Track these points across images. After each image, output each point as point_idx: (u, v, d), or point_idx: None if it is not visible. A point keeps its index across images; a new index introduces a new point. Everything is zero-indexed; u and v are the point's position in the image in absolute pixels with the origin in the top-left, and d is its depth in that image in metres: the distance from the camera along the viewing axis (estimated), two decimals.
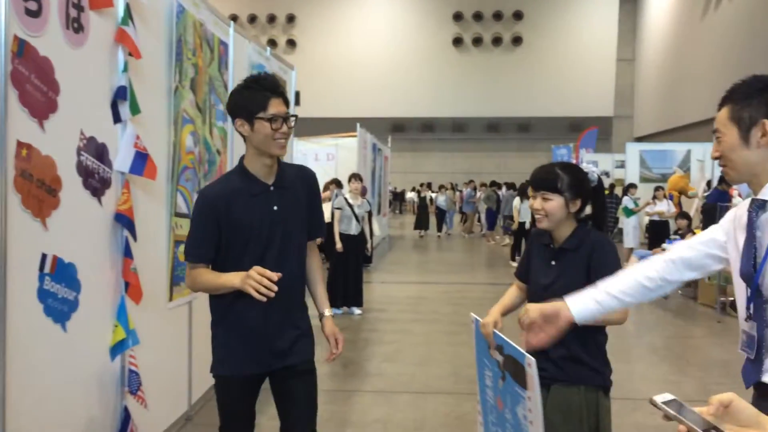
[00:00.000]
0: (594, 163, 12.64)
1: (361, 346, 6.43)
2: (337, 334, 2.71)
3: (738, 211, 1.87)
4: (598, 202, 2.47)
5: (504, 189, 18.06)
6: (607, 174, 17.89)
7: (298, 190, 2.54)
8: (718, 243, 1.90)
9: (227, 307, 2.48)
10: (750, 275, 1.73)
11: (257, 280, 2.26)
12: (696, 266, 1.95)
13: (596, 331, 2.37)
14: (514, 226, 12.68)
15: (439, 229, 19.77)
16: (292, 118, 2.43)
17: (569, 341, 2.28)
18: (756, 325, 1.72)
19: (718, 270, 1.96)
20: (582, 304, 1.98)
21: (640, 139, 22.69)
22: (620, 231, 12.92)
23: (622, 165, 16.15)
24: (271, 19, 26.51)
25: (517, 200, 12.54)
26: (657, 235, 11.00)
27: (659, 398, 1.09)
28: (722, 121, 1.79)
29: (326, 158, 14.38)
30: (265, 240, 2.43)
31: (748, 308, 1.75)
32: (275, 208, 2.45)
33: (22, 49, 2.49)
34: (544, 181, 2.37)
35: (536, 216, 2.40)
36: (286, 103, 2.44)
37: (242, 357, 2.50)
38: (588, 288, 2.05)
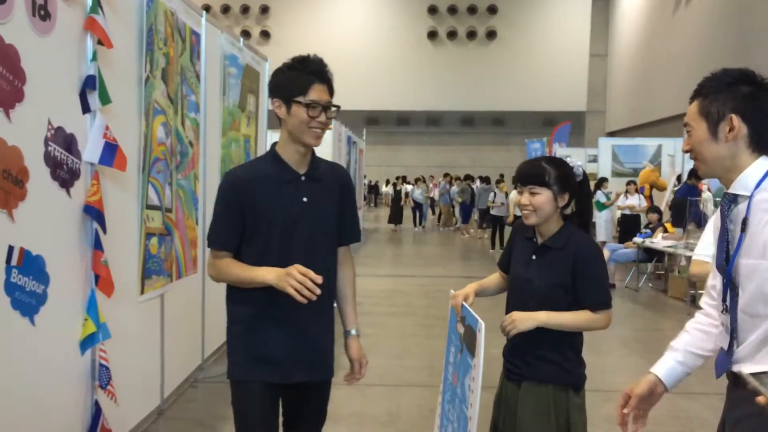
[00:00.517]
0: (568, 157, 12.85)
1: (336, 337, 6.41)
2: (363, 358, 2.49)
3: (719, 211, 1.87)
4: (583, 197, 2.43)
5: (478, 182, 18.15)
6: None
7: (331, 186, 2.32)
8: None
9: (260, 306, 2.23)
10: (723, 267, 1.75)
11: (299, 280, 2.04)
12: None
13: (573, 336, 2.37)
14: (510, 220, 12.62)
15: (416, 223, 19.62)
16: (333, 109, 2.25)
17: (542, 342, 2.31)
18: (729, 317, 1.73)
19: None
20: (668, 370, 1.93)
21: (612, 134, 22.96)
22: (593, 225, 13.11)
23: (594, 159, 16.31)
24: (245, 9, 26.24)
25: (514, 193, 12.50)
26: (628, 228, 11.17)
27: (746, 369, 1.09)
28: (692, 115, 1.79)
29: None
30: (291, 233, 2.21)
31: (723, 300, 1.75)
32: (305, 199, 2.23)
33: None
34: (531, 175, 2.32)
35: (523, 212, 2.35)
36: (331, 91, 2.27)
37: (271, 362, 2.23)
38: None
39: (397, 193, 19.70)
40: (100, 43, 3.17)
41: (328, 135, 13.19)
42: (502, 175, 18.37)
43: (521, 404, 2.35)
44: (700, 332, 1.94)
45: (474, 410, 2.01)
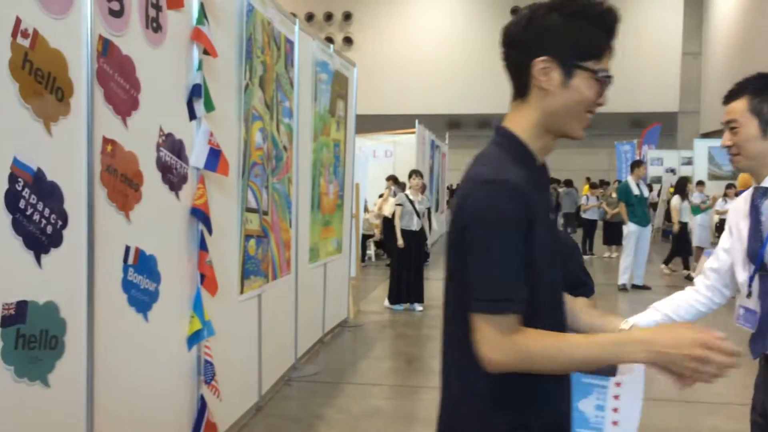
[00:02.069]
0: (659, 160, 12.06)
1: (424, 342, 6.42)
2: None
3: (736, 205, 2.07)
4: None
5: (564, 186, 17.68)
6: (672, 171, 17.36)
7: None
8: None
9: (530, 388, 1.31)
10: (755, 253, 1.90)
11: (720, 363, 1.17)
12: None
13: None
14: (675, 228, 11.41)
15: None
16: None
17: None
18: (760, 301, 1.90)
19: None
20: (646, 324, 1.86)
21: (706, 135, 21.93)
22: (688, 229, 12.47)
23: (689, 162, 15.64)
24: (329, 17, 26.70)
25: (676, 199, 11.21)
26: None
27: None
28: (740, 112, 1.92)
29: (384, 155, 14.41)
30: (558, 275, 1.39)
31: (749, 286, 1.92)
32: (551, 216, 1.47)
33: (106, 49, 2.58)
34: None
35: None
36: None
37: None
38: None
39: None
40: (205, 52, 3.32)
41: (411, 139, 13.25)
42: (588, 179, 17.87)
43: None
44: (686, 304, 2.08)
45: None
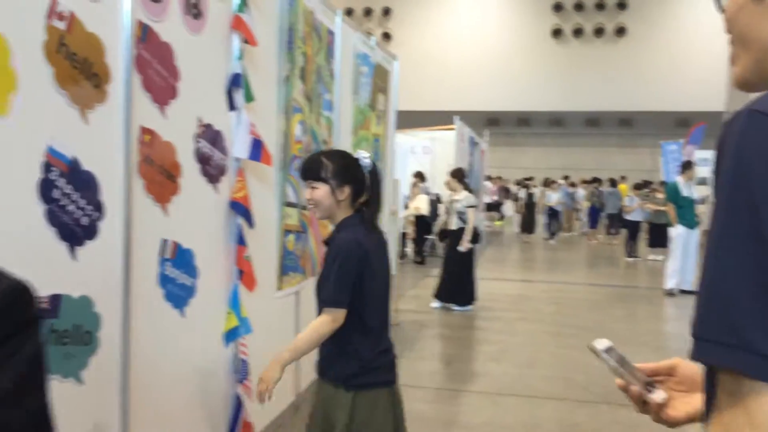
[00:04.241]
0: (705, 161, 11.52)
1: (464, 344, 6.27)
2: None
3: None
4: (374, 189, 2.42)
5: (607, 185, 17.25)
6: None
7: None
8: None
9: None
10: None
11: None
12: None
13: (352, 329, 2.30)
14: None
15: (551, 235, 16.68)
16: None
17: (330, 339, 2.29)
18: None
19: None
20: None
21: None
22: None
23: None
24: (368, 12, 26.63)
25: None
26: None
27: (599, 344, 0.98)
28: None
29: (422, 151, 14.25)
30: None
31: None
32: None
33: (145, 34, 2.49)
34: (308, 170, 2.37)
35: (308, 206, 2.41)
36: None
37: None
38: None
39: (530, 197, 16.97)
40: (245, 41, 3.21)
41: (450, 135, 13.05)
42: (623, 178, 17.43)
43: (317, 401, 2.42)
44: None
45: None
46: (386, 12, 26.94)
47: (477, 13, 27.53)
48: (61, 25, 2.04)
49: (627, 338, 6.54)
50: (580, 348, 6.07)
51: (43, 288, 1.99)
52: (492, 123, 26.85)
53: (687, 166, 8.99)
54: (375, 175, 2.46)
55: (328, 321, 2.27)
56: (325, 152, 2.48)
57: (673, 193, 8.76)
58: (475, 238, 7.83)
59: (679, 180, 8.89)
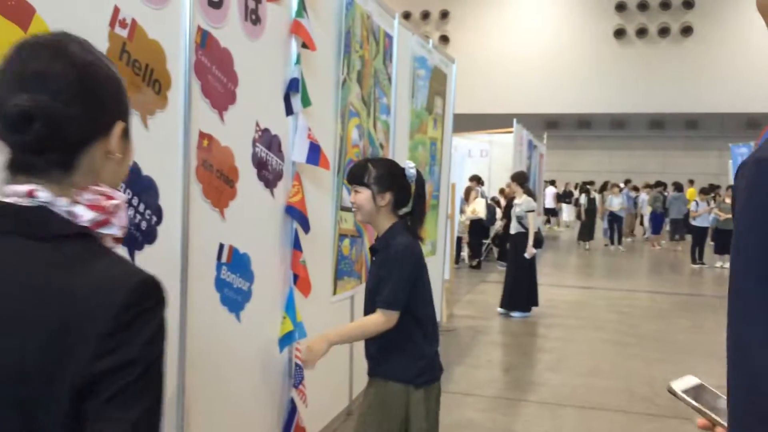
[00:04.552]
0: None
1: (521, 351, 6.14)
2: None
3: None
4: (416, 199, 2.50)
5: (671, 189, 16.68)
6: None
7: None
8: None
9: None
10: None
11: None
12: None
13: (411, 324, 2.40)
14: None
15: (612, 241, 15.76)
16: None
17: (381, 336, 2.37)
18: None
19: None
20: None
21: None
22: None
23: None
24: (425, 15, 26.59)
25: None
26: None
27: (677, 385, 0.88)
28: None
29: (479, 154, 14.11)
30: None
31: None
32: None
33: (205, 40, 2.51)
34: (353, 174, 2.46)
35: (352, 209, 2.52)
36: None
37: None
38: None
39: (590, 201, 15.96)
40: (303, 46, 3.22)
41: (509, 138, 12.87)
42: (691, 182, 16.79)
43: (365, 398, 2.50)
44: None
45: None
46: (444, 15, 26.85)
47: (537, 14, 27.14)
48: (123, 33, 2.07)
49: (691, 348, 6.28)
50: (643, 358, 5.86)
51: None
52: (551, 126, 26.41)
53: None
54: (420, 185, 2.52)
55: (382, 321, 2.36)
56: (372, 159, 2.60)
57: None
58: (537, 242, 7.69)
59: None
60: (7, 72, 0.88)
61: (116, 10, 2.04)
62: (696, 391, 0.92)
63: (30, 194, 0.88)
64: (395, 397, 2.39)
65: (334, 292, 3.83)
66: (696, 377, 0.93)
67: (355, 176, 2.46)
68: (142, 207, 2.19)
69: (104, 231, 0.93)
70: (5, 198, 0.89)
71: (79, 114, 0.89)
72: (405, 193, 2.47)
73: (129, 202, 2.13)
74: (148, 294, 0.90)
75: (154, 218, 2.25)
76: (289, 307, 3.18)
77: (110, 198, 0.93)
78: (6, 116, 0.86)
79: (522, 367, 5.52)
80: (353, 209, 2.51)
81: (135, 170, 2.15)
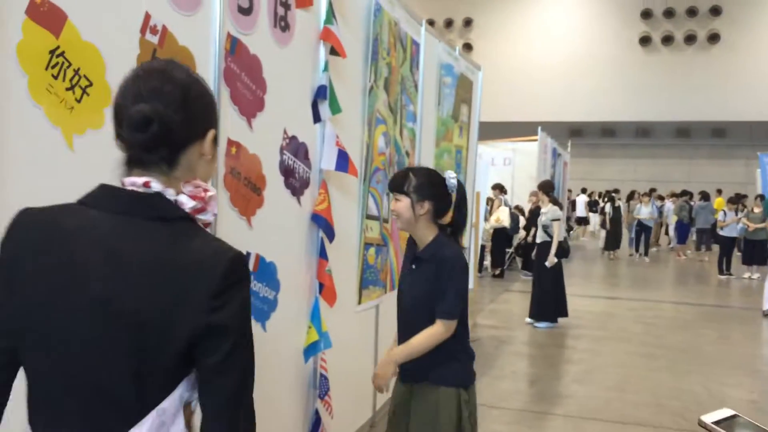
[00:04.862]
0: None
1: (546, 363, 6.04)
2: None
3: None
4: (457, 208, 2.52)
5: (698, 199, 16.40)
6: None
7: None
8: None
9: None
10: None
11: None
12: None
13: (460, 329, 2.48)
14: None
15: (638, 249, 15.44)
16: None
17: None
18: None
19: None
20: None
21: None
22: None
23: None
24: (449, 23, 26.54)
25: None
26: None
27: (709, 418, 0.86)
28: None
29: (503, 163, 14.00)
30: None
31: None
32: None
33: (234, 47, 2.49)
34: (394, 183, 2.51)
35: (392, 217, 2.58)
36: None
37: None
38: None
39: (616, 210, 15.54)
40: (332, 52, 3.19)
41: (533, 146, 12.75)
42: (719, 191, 16.49)
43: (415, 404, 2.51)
44: None
45: None
46: (468, 23, 26.79)
47: (561, 20, 26.98)
48: (153, 39, 2.06)
49: (719, 360, 6.13)
50: (671, 370, 5.74)
51: None
52: (575, 134, 26.21)
53: None
54: (461, 195, 2.56)
55: (443, 331, 2.42)
56: (413, 168, 2.59)
57: None
58: (564, 252, 7.58)
59: None
60: (129, 89, 1.12)
61: (147, 17, 2.03)
62: (729, 424, 0.86)
63: (146, 185, 1.10)
64: (450, 402, 2.43)
65: (359, 302, 3.79)
66: (730, 409, 0.88)
67: (396, 184, 2.50)
68: None
69: (200, 216, 1.15)
70: (125, 187, 1.12)
71: (183, 120, 1.11)
72: (444, 203, 2.50)
73: None
74: (240, 267, 1.11)
75: None
76: (315, 317, 3.14)
77: (206, 191, 1.16)
78: (130, 118, 1.09)
79: (548, 379, 5.43)
80: (393, 217, 2.57)
81: None
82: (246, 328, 1.11)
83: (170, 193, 1.11)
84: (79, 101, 1.80)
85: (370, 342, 4.05)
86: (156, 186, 1.10)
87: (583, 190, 20.97)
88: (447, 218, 2.52)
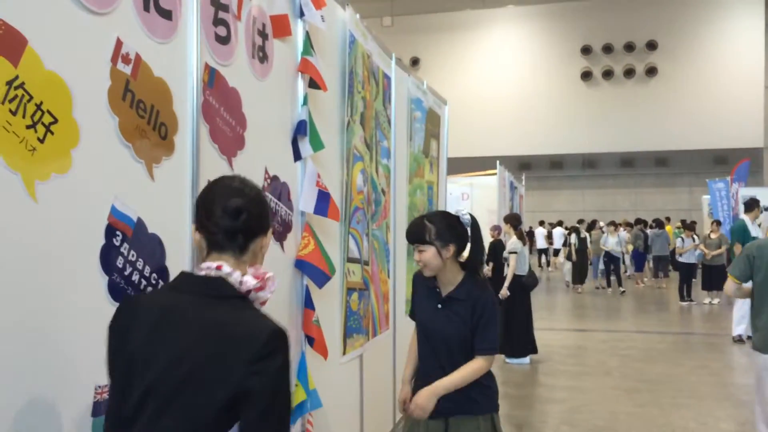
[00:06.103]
0: (749, 197, 10.79)
1: (530, 402, 5.81)
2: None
3: None
4: (474, 243, 2.60)
5: (651, 227, 16.64)
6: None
7: None
8: None
9: None
10: None
11: None
12: None
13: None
14: None
15: (609, 283, 14.96)
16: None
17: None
18: None
19: None
20: None
21: None
22: None
23: None
24: (414, 62, 26.84)
25: None
26: None
27: None
28: None
29: (461, 198, 13.95)
30: None
31: None
32: None
33: (212, 79, 2.24)
34: (413, 234, 2.55)
35: (419, 266, 2.58)
36: None
37: None
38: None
39: (582, 242, 14.79)
40: (311, 86, 2.96)
41: (490, 180, 12.74)
42: (668, 219, 16.78)
43: None
44: None
45: None
46: (414, 62, 27.13)
47: (504, 57, 27.58)
48: (126, 69, 1.79)
49: (706, 393, 6.02)
50: (660, 405, 5.58)
51: (103, 376, 1.68)
52: (524, 167, 26.61)
53: (752, 205, 8.46)
54: (476, 229, 2.63)
55: (486, 366, 2.53)
56: (427, 216, 2.61)
57: (741, 233, 8.24)
58: (530, 285, 7.43)
59: (746, 218, 8.40)
60: (217, 196, 1.42)
61: (119, 44, 1.76)
62: None
63: (218, 267, 1.37)
64: (488, 427, 2.55)
65: (344, 352, 3.50)
66: None
67: (417, 236, 2.54)
68: (147, 270, 1.87)
69: (260, 294, 1.41)
70: (199, 272, 1.40)
71: (258, 215, 1.44)
72: (464, 240, 2.57)
73: (133, 265, 1.81)
74: (279, 339, 1.33)
75: (160, 281, 1.94)
76: (302, 374, 2.85)
77: (266, 273, 1.43)
78: (226, 208, 1.39)
79: (535, 422, 5.19)
80: (419, 265, 2.57)
81: (140, 227, 1.84)
82: (278, 394, 1.31)
83: (237, 275, 1.37)
84: (42, 141, 1.52)
85: (355, 394, 3.75)
86: (226, 269, 1.37)
87: (541, 223, 21.12)
88: (465, 253, 2.59)
